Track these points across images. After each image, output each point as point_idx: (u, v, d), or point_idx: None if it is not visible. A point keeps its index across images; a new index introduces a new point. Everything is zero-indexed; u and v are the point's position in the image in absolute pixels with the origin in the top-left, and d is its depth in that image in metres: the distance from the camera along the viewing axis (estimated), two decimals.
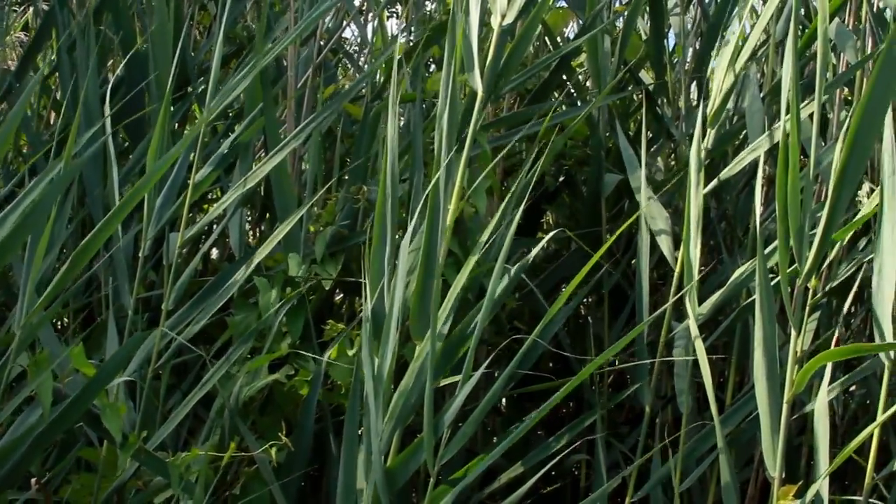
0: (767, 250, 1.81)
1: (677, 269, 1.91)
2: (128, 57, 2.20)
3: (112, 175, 1.80)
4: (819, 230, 1.46)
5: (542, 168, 2.03)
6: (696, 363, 2.36)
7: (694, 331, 1.70)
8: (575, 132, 2.37)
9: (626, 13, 2.34)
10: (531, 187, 2.35)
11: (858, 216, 1.72)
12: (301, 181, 2.24)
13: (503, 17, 1.77)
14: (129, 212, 1.64)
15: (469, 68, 1.79)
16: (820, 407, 1.61)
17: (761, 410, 1.53)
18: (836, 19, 1.94)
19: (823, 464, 1.57)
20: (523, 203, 2.05)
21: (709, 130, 1.91)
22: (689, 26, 2.56)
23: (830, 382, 1.81)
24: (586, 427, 2.14)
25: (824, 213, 1.46)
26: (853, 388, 2.23)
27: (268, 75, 1.96)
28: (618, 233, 1.79)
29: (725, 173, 1.95)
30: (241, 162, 1.94)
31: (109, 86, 2.01)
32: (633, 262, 2.54)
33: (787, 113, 1.49)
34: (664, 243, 2.00)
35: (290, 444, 1.82)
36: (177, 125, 2.30)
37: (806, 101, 1.96)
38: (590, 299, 2.52)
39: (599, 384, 2.44)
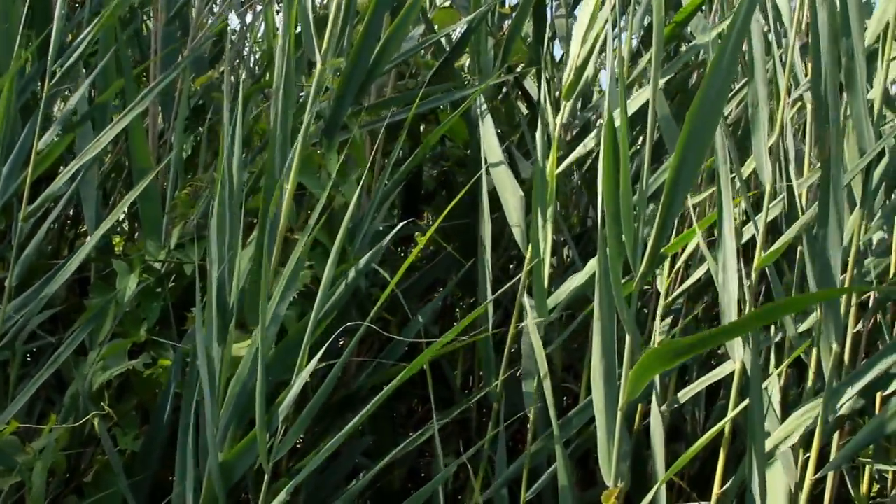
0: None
1: (526, 262, 1.85)
2: None
3: None
4: (653, 231, 1.37)
5: (416, 161, 2.01)
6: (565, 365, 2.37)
7: (534, 329, 1.63)
8: (454, 133, 2.35)
9: (512, 15, 2.33)
10: (408, 186, 2.34)
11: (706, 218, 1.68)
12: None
13: None
14: None
15: (307, 40, 1.76)
16: (655, 413, 1.58)
17: (598, 416, 1.45)
18: (700, 14, 1.88)
19: (661, 471, 1.55)
20: (395, 192, 2.02)
21: (564, 103, 1.82)
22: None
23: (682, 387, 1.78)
24: (458, 430, 2.12)
25: (658, 214, 1.36)
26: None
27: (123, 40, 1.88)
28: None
29: (575, 154, 1.86)
30: (96, 129, 1.86)
31: None
32: (510, 265, 2.54)
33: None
34: (518, 236, 1.96)
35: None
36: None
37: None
38: (464, 303, 2.51)
39: (470, 388, 2.43)
